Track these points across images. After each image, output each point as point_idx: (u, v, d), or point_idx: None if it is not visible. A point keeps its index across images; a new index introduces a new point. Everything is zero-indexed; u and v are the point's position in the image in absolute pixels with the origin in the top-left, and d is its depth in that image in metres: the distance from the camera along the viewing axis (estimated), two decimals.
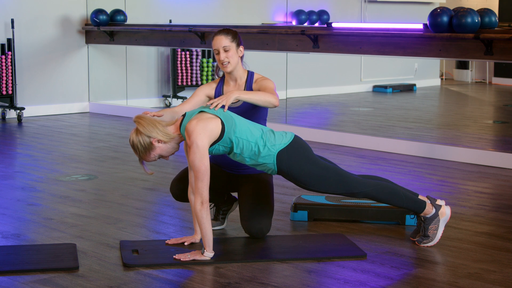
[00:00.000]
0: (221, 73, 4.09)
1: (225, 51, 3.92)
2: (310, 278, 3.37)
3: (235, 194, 4.33)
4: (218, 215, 4.19)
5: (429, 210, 3.82)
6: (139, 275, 3.39)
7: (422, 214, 3.83)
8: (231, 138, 3.58)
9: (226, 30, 3.98)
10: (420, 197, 3.88)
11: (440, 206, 3.85)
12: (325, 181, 3.68)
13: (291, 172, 3.66)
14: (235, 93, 3.68)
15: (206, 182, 3.49)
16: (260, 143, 3.62)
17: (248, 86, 4.00)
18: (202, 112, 3.59)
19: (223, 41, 3.92)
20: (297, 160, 3.65)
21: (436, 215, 3.82)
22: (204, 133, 3.51)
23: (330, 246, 3.81)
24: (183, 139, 3.62)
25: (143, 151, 3.57)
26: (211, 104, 3.62)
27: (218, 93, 4.03)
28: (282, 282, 3.30)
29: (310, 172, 3.66)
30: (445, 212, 3.85)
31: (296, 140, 3.71)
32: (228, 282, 3.30)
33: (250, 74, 4.04)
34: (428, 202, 3.84)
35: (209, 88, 4.06)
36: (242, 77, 4.03)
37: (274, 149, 3.63)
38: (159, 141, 3.57)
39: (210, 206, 4.15)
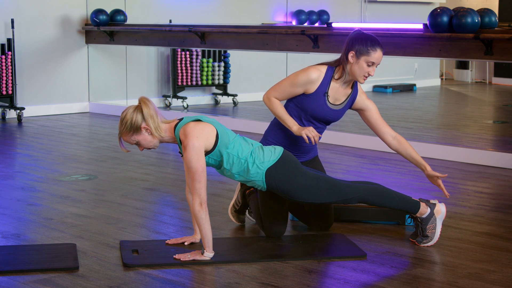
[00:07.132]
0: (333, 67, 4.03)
1: (376, 66, 3.93)
2: (310, 278, 3.37)
3: None
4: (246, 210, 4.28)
5: (424, 210, 3.83)
6: (139, 275, 3.39)
7: (417, 215, 3.84)
8: (222, 152, 3.60)
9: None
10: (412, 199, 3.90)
11: (434, 204, 3.86)
12: (317, 192, 3.69)
13: (281, 188, 3.68)
14: None
15: (204, 183, 3.50)
16: (250, 160, 3.64)
17: (352, 98, 4.05)
18: (200, 120, 3.60)
19: (381, 58, 3.93)
20: (287, 176, 3.67)
21: (432, 214, 3.83)
22: (201, 135, 3.52)
23: (330, 246, 3.81)
24: (171, 141, 3.63)
25: (128, 129, 3.56)
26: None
27: (325, 86, 3.97)
28: (282, 282, 3.30)
29: (300, 186, 3.68)
30: (440, 209, 3.86)
31: (285, 155, 3.73)
32: (228, 282, 3.30)
33: (355, 83, 4.06)
34: (422, 202, 3.85)
35: (311, 81, 3.97)
36: (351, 85, 4.05)
37: (263, 167, 3.65)
38: (147, 130, 3.57)
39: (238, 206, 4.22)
